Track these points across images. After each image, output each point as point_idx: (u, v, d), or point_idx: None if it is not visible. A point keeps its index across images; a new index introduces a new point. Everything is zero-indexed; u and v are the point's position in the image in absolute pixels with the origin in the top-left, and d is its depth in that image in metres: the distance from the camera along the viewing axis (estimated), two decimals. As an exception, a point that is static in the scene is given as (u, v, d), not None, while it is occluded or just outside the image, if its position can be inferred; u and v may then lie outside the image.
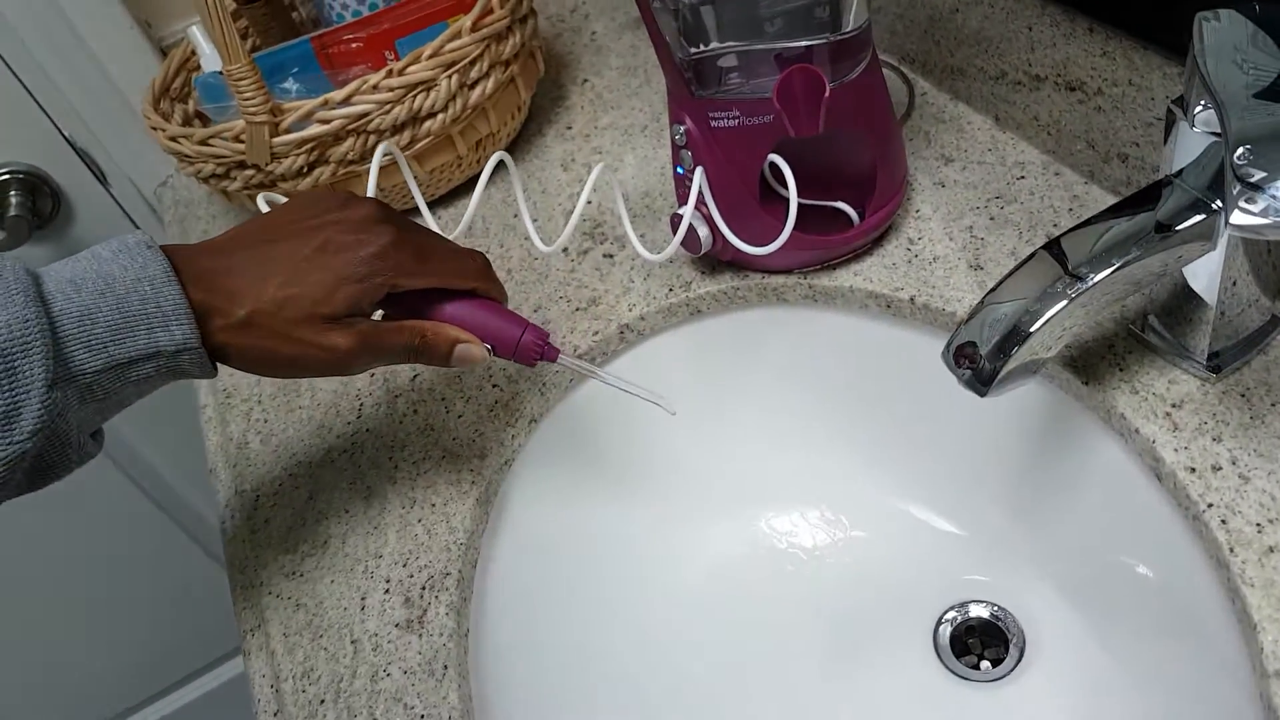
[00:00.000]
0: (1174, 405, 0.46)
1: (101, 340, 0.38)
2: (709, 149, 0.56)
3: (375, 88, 0.69)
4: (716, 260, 0.62)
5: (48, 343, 0.37)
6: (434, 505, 0.56)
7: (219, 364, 0.42)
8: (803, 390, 0.65)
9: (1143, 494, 0.47)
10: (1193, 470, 0.44)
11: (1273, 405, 0.45)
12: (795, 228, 0.56)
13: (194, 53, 0.82)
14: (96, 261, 0.40)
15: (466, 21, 0.71)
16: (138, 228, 1.05)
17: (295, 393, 0.66)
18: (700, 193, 0.58)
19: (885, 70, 0.71)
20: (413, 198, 0.59)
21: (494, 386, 0.61)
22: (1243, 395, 0.46)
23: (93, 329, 0.38)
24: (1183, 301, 0.47)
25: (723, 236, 0.58)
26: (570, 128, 0.82)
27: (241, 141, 0.70)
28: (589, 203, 0.73)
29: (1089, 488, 0.51)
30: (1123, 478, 0.48)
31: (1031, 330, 0.40)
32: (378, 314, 0.47)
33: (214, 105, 0.74)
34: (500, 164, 0.56)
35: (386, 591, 0.53)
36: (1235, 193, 0.33)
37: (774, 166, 0.58)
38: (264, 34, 0.86)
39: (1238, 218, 0.33)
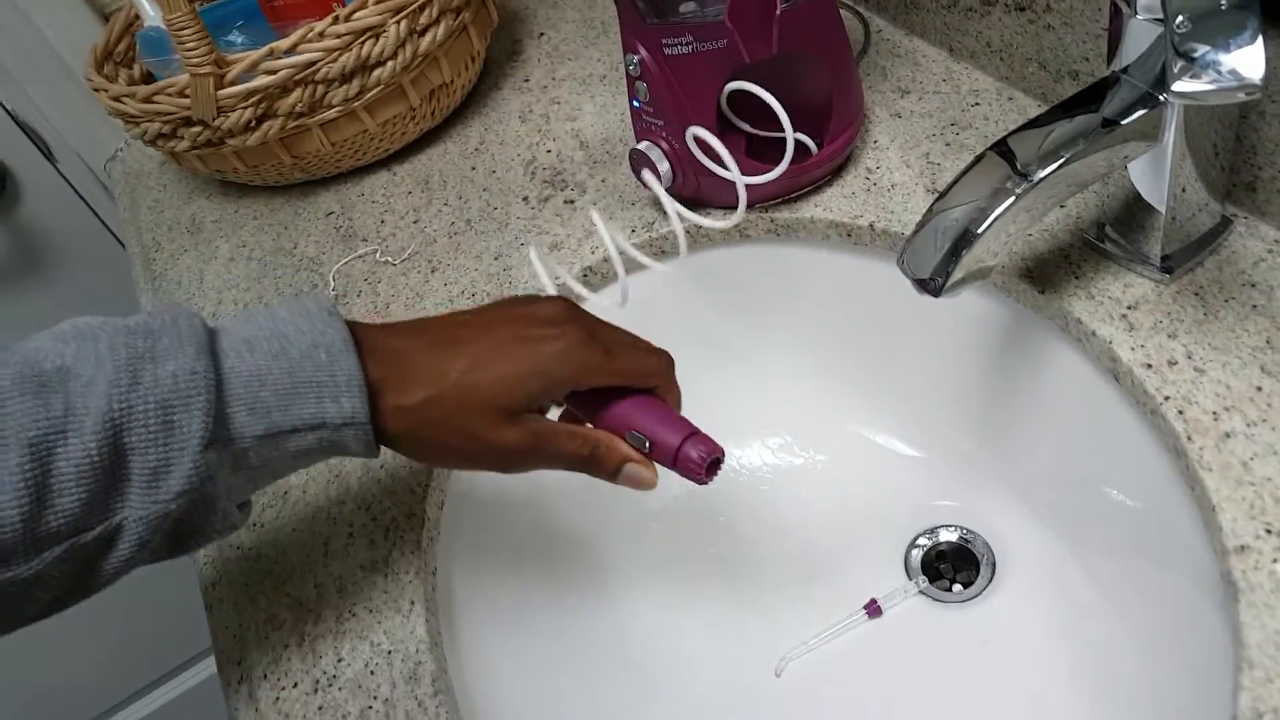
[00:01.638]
0: (1130, 307, 0.47)
1: (267, 404, 0.36)
2: (664, 78, 0.56)
3: (322, 35, 0.68)
4: (677, 196, 0.61)
5: (211, 400, 0.34)
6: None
7: (379, 449, 0.40)
8: (765, 325, 0.64)
9: (1102, 396, 0.47)
10: (1149, 366, 0.44)
11: (1226, 302, 0.45)
12: (752, 157, 0.55)
13: (138, 17, 0.80)
14: (274, 321, 0.38)
15: (414, -32, 0.70)
16: (88, 205, 1.03)
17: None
18: (658, 126, 0.58)
19: (841, 11, 0.71)
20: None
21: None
22: (1196, 294, 0.46)
23: (259, 391, 0.36)
24: (1135, 209, 0.47)
25: (686, 166, 0.57)
26: (527, 80, 0.81)
27: (186, 97, 0.69)
28: (548, 151, 0.73)
29: (1050, 398, 0.52)
30: (1082, 383, 0.48)
31: (980, 231, 0.41)
32: (553, 412, 0.45)
33: (156, 59, 0.73)
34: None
35: (350, 535, 0.52)
36: (1175, 67, 0.33)
37: (731, 99, 0.58)
38: (208, -7, 0.85)
39: (1179, 85, 0.33)
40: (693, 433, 0.42)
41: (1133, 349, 0.45)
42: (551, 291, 0.53)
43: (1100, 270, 0.49)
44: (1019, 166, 0.41)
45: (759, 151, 0.59)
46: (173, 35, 0.66)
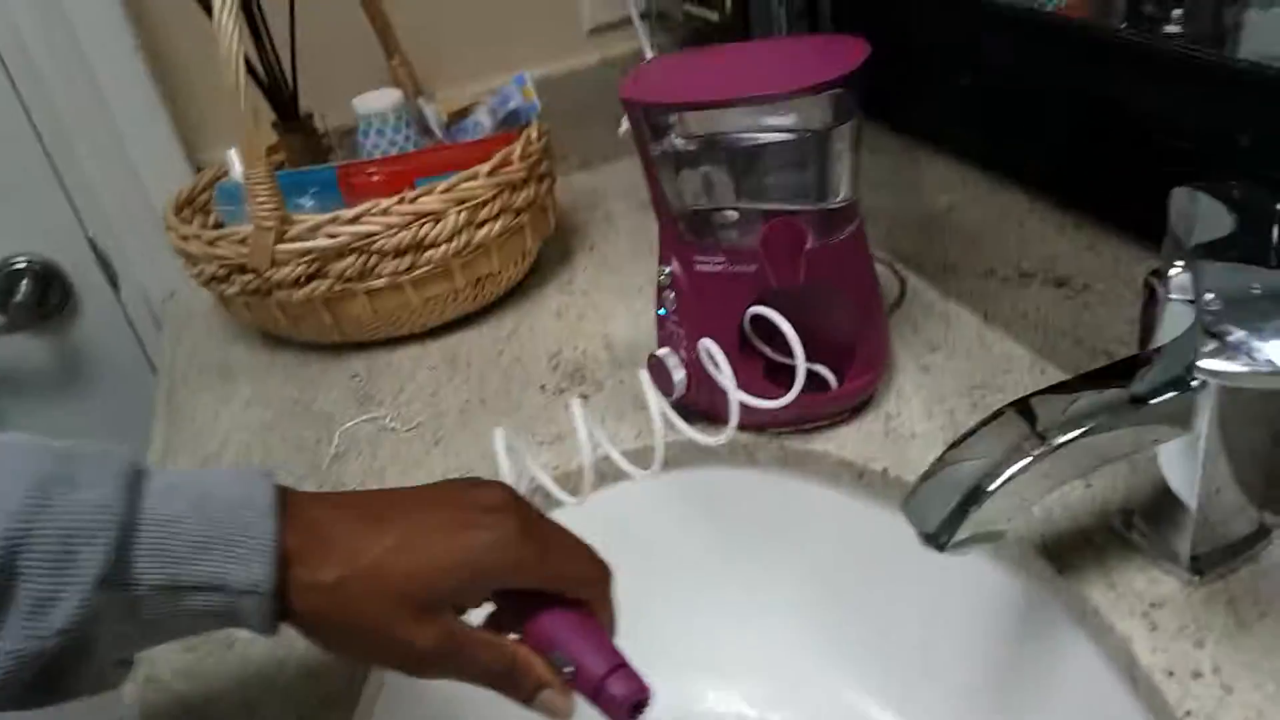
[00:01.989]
0: (1153, 604, 0.43)
1: (174, 554, 0.33)
2: (692, 291, 0.56)
3: (385, 211, 0.71)
4: (691, 411, 0.60)
5: (117, 536, 0.32)
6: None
7: (279, 627, 0.36)
8: (760, 558, 0.61)
9: (1117, 699, 0.42)
10: (1171, 674, 0.39)
11: (1260, 616, 0.41)
12: (770, 381, 0.54)
13: (226, 173, 0.86)
14: (207, 475, 0.36)
15: (485, 167, 0.74)
16: (136, 334, 1.06)
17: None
18: (680, 335, 0.57)
19: (879, 266, 0.72)
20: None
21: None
22: (1228, 603, 0.42)
23: (169, 539, 0.33)
24: (1165, 502, 0.45)
25: (700, 379, 0.56)
26: (571, 282, 0.83)
27: (246, 245, 0.71)
28: (575, 348, 0.73)
29: (1060, 691, 0.47)
30: (1096, 680, 0.44)
31: (991, 489, 0.38)
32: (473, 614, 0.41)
33: (229, 208, 0.76)
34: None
35: (282, 704, 0.47)
36: (1205, 346, 0.31)
37: (754, 322, 0.58)
38: (296, 161, 0.90)
39: (1207, 363, 0.31)
40: (620, 665, 0.38)
41: (1154, 652, 0.40)
42: (508, 479, 0.50)
43: (1124, 560, 0.45)
44: (1038, 428, 0.39)
45: (781, 378, 0.58)
46: (247, 187, 0.69)
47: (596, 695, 0.37)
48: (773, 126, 0.53)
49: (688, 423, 0.60)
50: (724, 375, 0.52)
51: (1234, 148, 0.40)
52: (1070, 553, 0.46)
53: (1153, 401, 0.39)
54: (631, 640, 0.61)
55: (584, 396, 0.66)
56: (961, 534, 0.38)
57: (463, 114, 0.90)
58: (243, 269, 0.73)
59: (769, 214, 0.54)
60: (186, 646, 0.52)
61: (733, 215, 0.56)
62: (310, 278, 0.72)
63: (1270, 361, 0.32)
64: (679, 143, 0.54)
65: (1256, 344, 0.31)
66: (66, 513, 0.31)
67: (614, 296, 0.79)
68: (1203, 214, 0.36)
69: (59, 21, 0.87)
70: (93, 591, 0.31)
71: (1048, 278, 0.57)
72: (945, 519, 0.39)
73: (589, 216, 0.95)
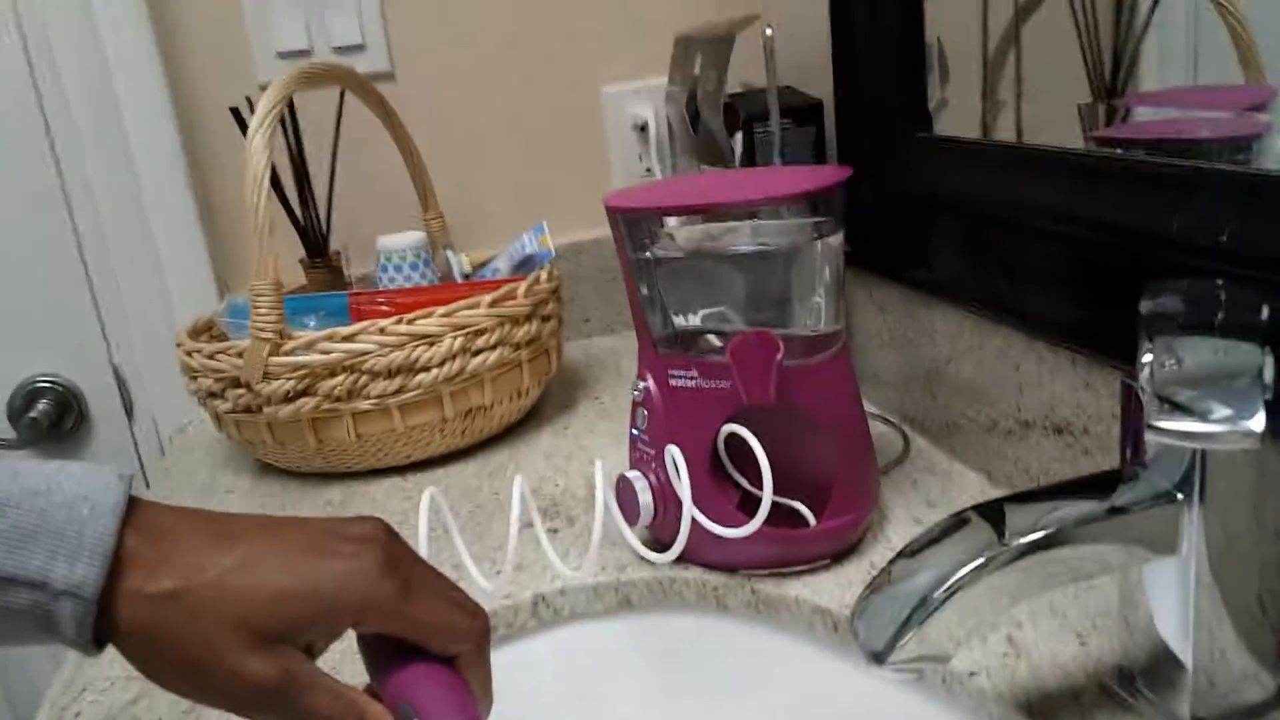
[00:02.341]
0: (1148, 772, 0.36)
1: None
2: (664, 408, 0.53)
3: (382, 331, 0.71)
4: (655, 541, 0.56)
5: None
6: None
7: (104, 642, 0.33)
8: (722, 713, 0.54)
9: None
10: None
11: (1279, 795, 0.34)
12: (744, 514, 0.51)
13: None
14: (61, 468, 0.33)
15: (487, 297, 0.75)
16: (141, 464, 1.06)
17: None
18: (650, 457, 0.54)
19: (882, 425, 0.69)
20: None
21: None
22: (1240, 778, 0.35)
23: None
24: (1165, 661, 0.39)
25: (669, 506, 0.53)
26: (567, 428, 0.81)
27: (242, 358, 0.72)
28: (555, 485, 0.70)
29: None
30: None
31: (941, 600, 0.33)
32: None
33: (233, 320, 0.77)
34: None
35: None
36: (1154, 407, 0.28)
37: (732, 454, 0.55)
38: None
39: (1158, 421, 0.27)
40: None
41: (1143, 825, 0.34)
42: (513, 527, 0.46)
43: (1116, 721, 0.39)
44: (1004, 537, 0.34)
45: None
46: (250, 298, 0.70)
47: None
48: (752, 242, 0.53)
49: (655, 568, 0.56)
50: (683, 485, 0.49)
51: (1217, 253, 0.38)
52: (1055, 709, 0.40)
53: (1133, 513, 0.34)
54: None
55: (552, 530, 0.62)
56: (908, 650, 0.33)
57: (485, 264, 0.92)
58: (236, 383, 0.73)
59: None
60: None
61: (709, 331, 0.54)
62: (299, 394, 0.72)
63: (1225, 418, 0.28)
64: (659, 253, 0.53)
65: (1209, 403, 0.28)
66: None
67: (608, 441, 0.77)
68: (1167, 303, 0.33)
69: (120, 150, 0.93)
70: None
71: (1048, 425, 0.54)
72: (891, 634, 0.34)
73: (600, 373, 0.94)
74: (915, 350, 0.67)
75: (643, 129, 1.05)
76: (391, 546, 0.35)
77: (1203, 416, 0.28)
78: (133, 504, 0.33)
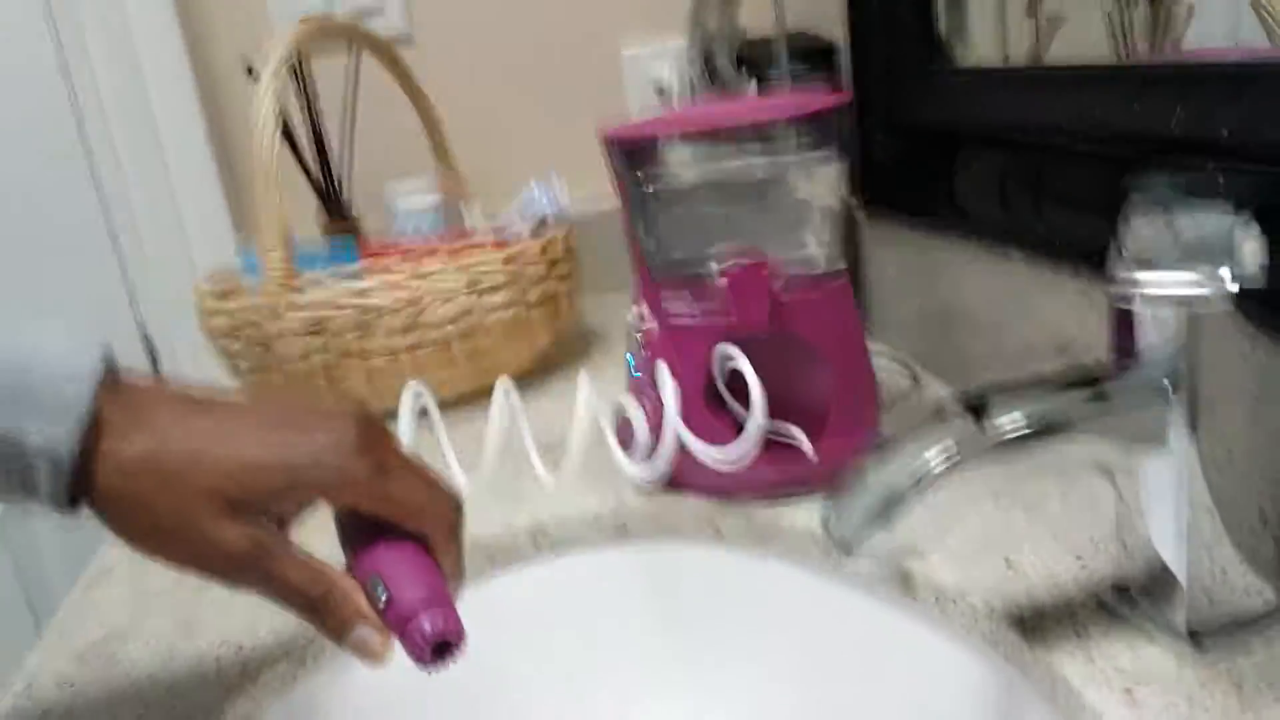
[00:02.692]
0: (1137, 681, 0.35)
1: None
2: (662, 342, 0.53)
3: (393, 280, 0.72)
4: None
5: None
6: (241, 648, 0.47)
7: (80, 505, 0.33)
8: (718, 640, 0.54)
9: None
10: (1146, 751, 0.31)
11: (1276, 700, 0.33)
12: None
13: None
14: (40, 330, 0.33)
15: (501, 254, 0.75)
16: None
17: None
18: (649, 392, 0.54)
19: (893, 364, 0.68)
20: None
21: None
22: (1235, 684, 0.34)
23: None
24: (1163, 577, 0.37)
25: (663, 436, 0.52)
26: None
27: (257, 299, 0.72)
28: (563, 428, 0.70)
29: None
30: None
31: (913, 493, 0.33)
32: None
33: (246, 269, 0.78)
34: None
35: (139, 715, 0.43)
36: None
37: (732, 386, 0.54)
38: (336, 250, 0.93)
39: (1124, 273, 0.26)
40: (439, 603, 0.33)
41: (1127, 726, 0.33)
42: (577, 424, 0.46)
43: (1110, 635, 0.38)
44: (985, 428, 0.33)
45: (763, 444, 0.53)
46: (259, 240, 0.71)
47: (403, 628, 0.33)
48: (750, 170, 0.52)
49: (650, 494, 0.56)
50: (670, 402, 0.48)
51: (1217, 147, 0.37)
52: (1048, 624, 0.39)
53: (1120, 405, 0.33)
54: (565, 707, 0.54)
55: (555, 463, 0.62)
56: (879, 542, 0.33)
57: (500, 220, 0.92)
58: (251, 332, 0.74)
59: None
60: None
61: (706, 262, 0.54)
62: (313, 344, 0.72)
63: (1195, 279, 0.27)
64: (656, 184, 0.53)
65: (1181, 264, 0.27)
66: None
67: (619, 390, 0.76)
68: (1155, 185, 0.32)
69: (142, 112, 0.95)
70: None
71: (1050, 348, 0.52)
72: (860, 527, 0.33)
73: (616, 328, 0.94)
74: (929, 290, 0.66)
75: (663, 92, 1.04)
76: (368, 427, 0.35)
77: (1174, 277, 0.27)
78: (111, 374, 0.33)
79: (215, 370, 0.99)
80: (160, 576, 0.55)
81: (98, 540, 0.62)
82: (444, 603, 0.34)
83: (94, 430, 0.32)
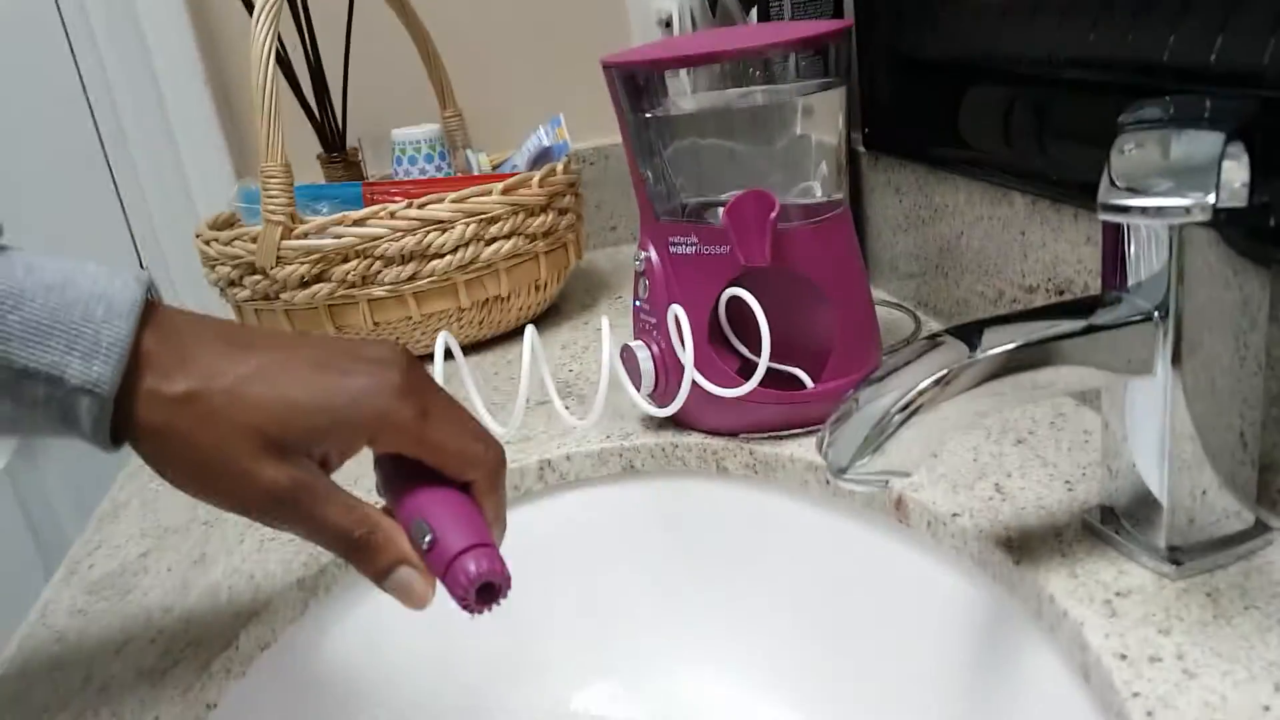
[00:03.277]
0: (1118, 594, 0.36)
1: (10, 331, 0.30)
2: (664, 276, 0.54)
3: (392, 215, 0.72)
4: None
5: None
6: (252, 577, 0.49)
7: (121, 440, 0.33)
8: (723, 573, 0.55)
9: (1074, 702, 0.35)
10: (1123, 658, 0.33)
11: (1245, 609, 0.34)
12: (744, 380, 0.51)
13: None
14: (80, 265, 0.33)
15: (500, 185, 0.75)
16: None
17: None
18: (652, 326, 0.55)
19: (894, 311, 0.69)
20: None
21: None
22: (1208, 595, 0.35)
23: (10, 312, 0.31)
24: (1147, 501, 0.39)
25: (670, 374, 0.53)
26: (586, 323, 0.82)
27: (256, 243, 0.73)
28: (569, 370, 0.71)
29: (1013, 694, 0.40)
30: (1052, 683, 0.37)
31: (908, 421, 0.34)
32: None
33: (246, 205, 0.78)
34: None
35: (152, 640, 0.44)
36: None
37: (735, 324, 0.55)
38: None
39: (1111, 198, 0.27)
40: (483, 545, 0.34)
41: (1106, 635, 0.34)
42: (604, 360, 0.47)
43: (1094, 554, 0.39)
44: (976, 353, 0.34)
45: (766, 381, 0.54)
46: (261, 181, 0.71)
47: (448, 569, 0.33)
48: (749, 96, 0.52)
49: (655, 429, 0.57)
50: (687, 344, 0.49)
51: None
52: (1035, 544, 0.40)
53: (1110, 332, 0.34)
54: (575, 640, 0.56)
55: (566, 406, 0.63)
56: (872, 465, 0.34)
57: (503, 162, 0.92)
58: (253, 270, 0.75)
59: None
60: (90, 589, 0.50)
61: (708, 196, 0.54)
62: (314, 280, 0.73)
63: (1176, 192, 0.28)
64: (656, 113, 0.53)
65: (1163, 181, 0.27)
66: None
67: (627, 334, 0.77)
68: (1145, 111, 0.33)
69: (138, 49, 0.94)
70: None
71: (1050, 288, 0.53)
72: (853, 452, 0.34)
73: (624, 277, 0.94)
74: (929, 230, 0.66)
75: (668, 24, 1.03)
76: (410, 370, 0.35)
77: (1155, 193, 0.27)
78: (150, 306, 0.33)
79: (217, 312, 1.00)
80: (172, 514, 0.57)
81: (105, 489, 0.63)
82: (489, 546, 0.34)
83: (136, 367, 0.32)
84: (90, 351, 0.31)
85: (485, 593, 0.33)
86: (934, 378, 0.33)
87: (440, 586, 0.34)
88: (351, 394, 0.33)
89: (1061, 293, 0.52)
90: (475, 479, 0.36)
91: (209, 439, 0.32)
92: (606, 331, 0.53)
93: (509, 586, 0.34)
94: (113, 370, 0.31)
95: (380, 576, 0.34)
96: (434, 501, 0.35)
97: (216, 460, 0.32)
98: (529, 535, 0.57)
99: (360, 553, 0.34)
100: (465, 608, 0.33)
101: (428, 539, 0.34)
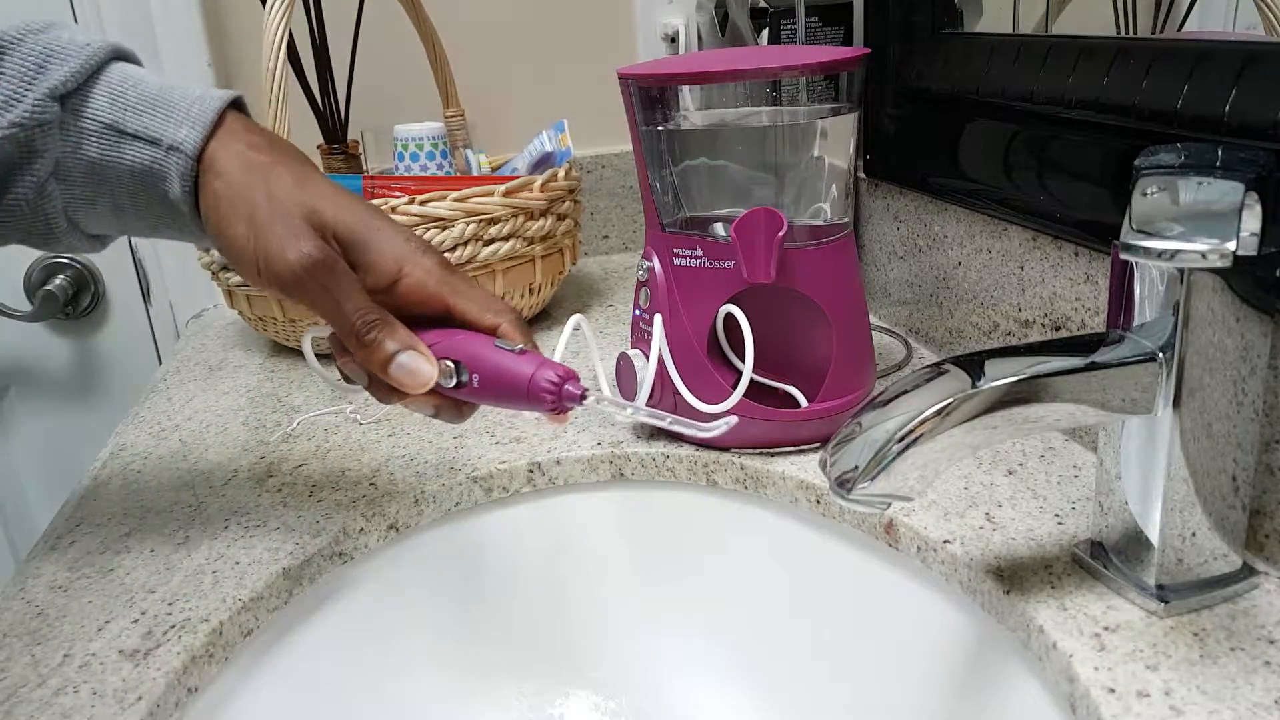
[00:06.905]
0: (1107, 628, 0.37)
1: (127, 102, 0.39)
2: (666, 287, 0.54)
3: (393, 210, 0.72)
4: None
5: (87, 66, 0.38)
6: (238, 563, 0.48)
7: (199, 203, 0.39)
8: (711, 586, 0.56)
9: (1055, 731, 0.36)
10: (1111, 691, 0.33)
11: (1231, 650, 0.35)
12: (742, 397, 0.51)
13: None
14: (178, 81, 0.41)
15: (501, 187, 0.75)
16: (156, 347, 1.07)
17: (182, 456, 0.61)
18: (651, 337, 0.55)
19: (887, 337, 0.70)
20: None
21: (371, 484, 0.55)
22: (1195, 634, 0.36)
23: (128, 90, 0.39)
24: (1137, 538, 0.39)
25: (665, 383, 0.54)
26: (578, 328, 0.81)
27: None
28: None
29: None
30: (1037, 709, 0.37)
31: (911, 447, 0.34)
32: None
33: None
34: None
35: (135, 621, 0.44)
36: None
37: (733, 341, 0.55)
38: (334, 185, 0.93)
39: (1133, 239, 0.28)
40: (547, 361, 0.38)
41: (1095, 669, 0.35)
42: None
43: (1083, 587, 0.40)
44: (977, 385, 0.35)
45: (761, 399, 0.54)
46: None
47: (529, 389, 0.37)
48: (763, 117, 0.53)
49: (647, 439, 0.57)
50: (651, 361, 0.50)
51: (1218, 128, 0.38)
52: (1024, 575, 0.41)
53: (1112, 371, 0.35)
54: (555, 647, 0.56)
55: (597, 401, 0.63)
56: (875, 487, 0.34)
57: (504, 165, 0.92)
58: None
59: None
60: (73, 565, 0.49)
61: (716, 211, 0.55)
62: (311, 270, 0.73)
63: (1197, 238, 0.28)
64: (670, 127, 0.54)
65: (1184, 226, 0.28)
66: (56, 42, 0.38)
67: (616, 341, 0.77)
68: (1162, 157, 0.33)
69: (144, 28, 0.94)
70: (49, 98, 0.37)
71: (1046, 323, 0.54)
72: (855, 475, 0.35)
73: (617, 285, 0.95)
74: (926, 259, 0.67)
75: (673, 40, 1.04)
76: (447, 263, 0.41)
77: (1175, 236, 0.28)
78: (240, 109, 0.42)
79: (206, 298, 0.99)
80: (155, 495, 0.56)
81: (73, 471, 0.62)
82: (541, 361, 0.37)
83: (224, 134, 0.39)
84: (181, 120, 0.39)
85: (567, 395, 0.37)
86: (937, 406, 0.34)
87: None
88: (389, 226, 0.40)
89: (1058, 329, 0.53)
90: (504, 320, 0.40)
91: (267, 200, 0.38)
92: (658, 327, 0.53)
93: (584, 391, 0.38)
94: (201, 133, 0.39)
95: (384, 366, 0.38)
96: (473, 341, 0.38)
97: (266, 216, 0.37)
98: (515, 537, 0.57)
99: (368, 335, 0.38)
100: (553, 410, 0.37)
101: (458, 379, 0.38)
